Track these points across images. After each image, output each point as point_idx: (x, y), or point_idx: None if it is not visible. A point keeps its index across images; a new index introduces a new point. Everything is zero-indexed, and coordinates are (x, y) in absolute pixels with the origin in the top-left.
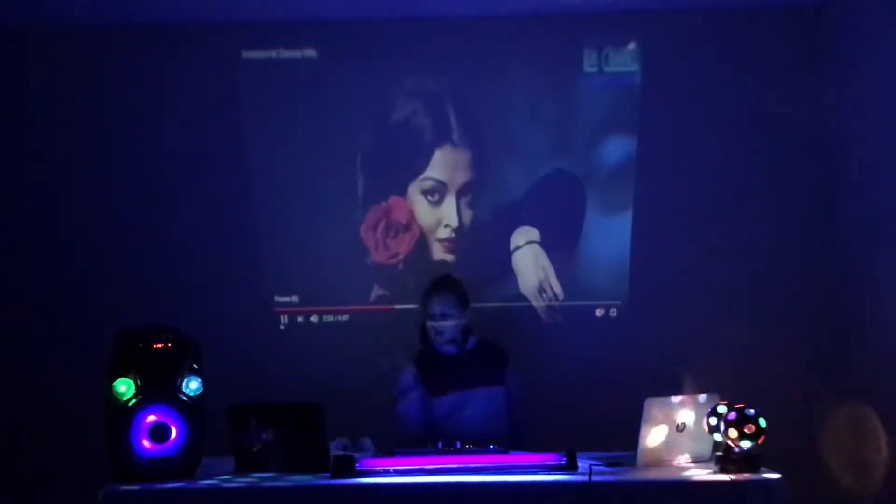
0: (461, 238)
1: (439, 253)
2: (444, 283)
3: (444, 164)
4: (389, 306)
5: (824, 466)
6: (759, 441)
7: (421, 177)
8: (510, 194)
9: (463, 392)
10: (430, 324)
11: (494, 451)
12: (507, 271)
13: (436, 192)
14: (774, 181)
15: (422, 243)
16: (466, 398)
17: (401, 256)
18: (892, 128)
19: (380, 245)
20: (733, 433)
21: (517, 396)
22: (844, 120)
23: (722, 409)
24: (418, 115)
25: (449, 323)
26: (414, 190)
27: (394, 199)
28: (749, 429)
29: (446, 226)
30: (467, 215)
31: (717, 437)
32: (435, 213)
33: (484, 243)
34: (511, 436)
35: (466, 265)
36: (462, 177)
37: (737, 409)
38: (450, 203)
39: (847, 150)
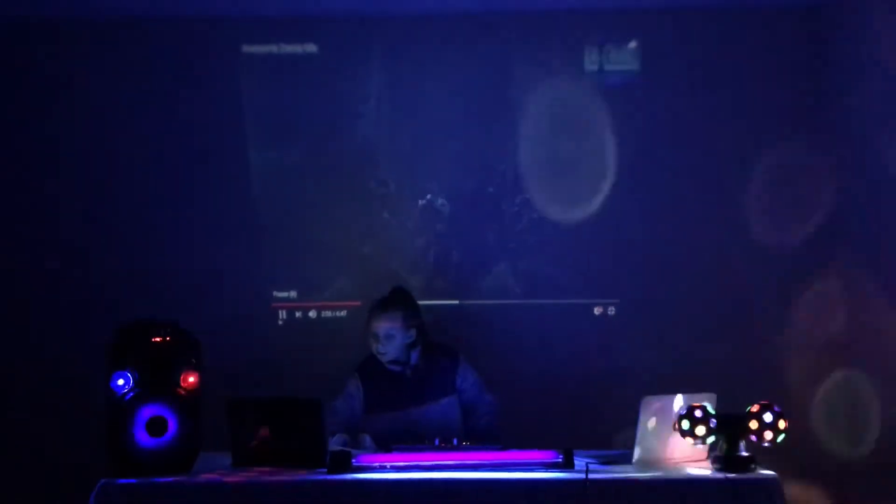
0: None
1: None
2: (390, 302)
3: None
4: None
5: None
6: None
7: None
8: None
9: (412, 409)
10: (373, 345)
11: (491, 449)
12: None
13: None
14: (774, 180)
15: None
16: (417, 415)
17: None
18: (895, 126)
19: None
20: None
21: (474, 396)
22: (846, 119)
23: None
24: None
25: (392, 344)
26: None
27: None
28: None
29: None
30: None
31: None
32: None
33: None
34: (480, 436)
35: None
36: None
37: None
38: None
39: (849, 149)
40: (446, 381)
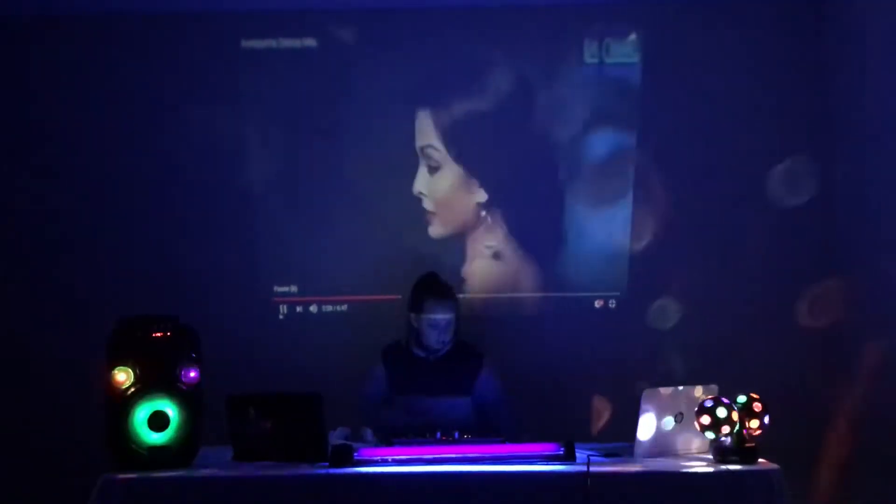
0: None
1: None
2: (444, 290)
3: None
4: (392, 297)
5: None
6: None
7: None
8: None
9: (426, 398)
10: (430, 335)
11: (492, 442)
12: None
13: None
14: (774, 173)
15: None
16: (428, 405)
17: None
18: (894, 119)
19: None
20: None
21: (494, 401)
22: (845, 111)
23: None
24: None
25: (450, 331)
26: None
27: None
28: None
29: None
30: None
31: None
32: None
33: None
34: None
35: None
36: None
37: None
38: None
39: (848, 142)
40: (466, 380)
